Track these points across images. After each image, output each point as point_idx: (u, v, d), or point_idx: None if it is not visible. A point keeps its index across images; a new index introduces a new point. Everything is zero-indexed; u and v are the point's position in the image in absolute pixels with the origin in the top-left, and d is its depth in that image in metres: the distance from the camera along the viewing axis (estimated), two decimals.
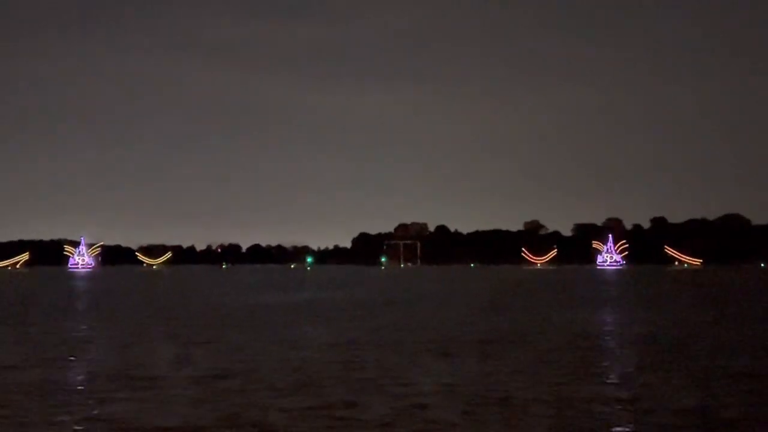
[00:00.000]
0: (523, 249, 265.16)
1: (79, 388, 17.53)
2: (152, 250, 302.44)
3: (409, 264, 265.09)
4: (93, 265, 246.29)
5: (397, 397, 15.82)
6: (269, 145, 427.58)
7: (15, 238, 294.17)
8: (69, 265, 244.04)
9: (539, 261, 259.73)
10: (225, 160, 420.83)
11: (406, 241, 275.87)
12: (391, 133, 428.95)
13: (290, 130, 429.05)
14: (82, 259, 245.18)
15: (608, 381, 17.81)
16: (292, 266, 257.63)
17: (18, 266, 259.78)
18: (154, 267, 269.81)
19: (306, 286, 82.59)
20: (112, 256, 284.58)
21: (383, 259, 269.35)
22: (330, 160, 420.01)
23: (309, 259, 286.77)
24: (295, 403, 15.26)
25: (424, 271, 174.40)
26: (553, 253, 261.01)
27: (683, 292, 63.54)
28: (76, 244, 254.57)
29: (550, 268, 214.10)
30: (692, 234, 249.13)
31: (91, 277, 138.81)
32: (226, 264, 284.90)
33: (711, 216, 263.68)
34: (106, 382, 18.07)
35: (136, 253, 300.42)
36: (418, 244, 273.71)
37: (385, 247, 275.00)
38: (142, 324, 34.01)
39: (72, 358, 22.64)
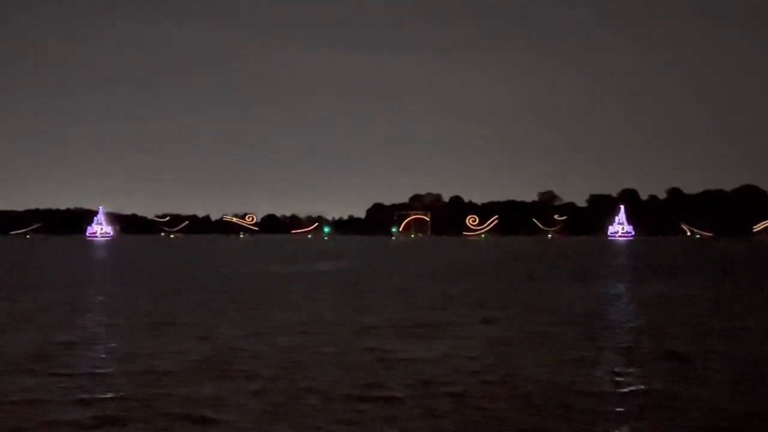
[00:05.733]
0: (534, 219, 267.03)
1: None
2: (168, 220, 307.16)
3: (420, 234, 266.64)
4: (111, 233, 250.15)
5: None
6: (283, 115, 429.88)
7: (32, 206, 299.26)
8: (87, 234, 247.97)
9: (551, 231, 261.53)
10: (239, 131, 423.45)
11: (417, 212, 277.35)
12: (408, 104, 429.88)
13: (305, 100, 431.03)
14: (100, 228, 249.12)
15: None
16: (309, 237, 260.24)
17: (34, 234, 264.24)
18: (172, 236, 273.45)
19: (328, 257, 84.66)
20: (129, 224, 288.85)
21: (394, 230, 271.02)
22: (345, 130, 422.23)
23: (326, 229, 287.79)
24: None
25: (434, 242, 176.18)
26: (565, 223, 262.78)
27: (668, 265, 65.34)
28: (93, 213, 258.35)
29: (562, 239, 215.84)
30: (708, 205, 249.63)
31: (113, 245, 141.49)
32: (243, 233, 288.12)
33: (727, 187, 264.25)
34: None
35: (155, 221, 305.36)
36: (429, 215, 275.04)
37: (396, 217, 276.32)
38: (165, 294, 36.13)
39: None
